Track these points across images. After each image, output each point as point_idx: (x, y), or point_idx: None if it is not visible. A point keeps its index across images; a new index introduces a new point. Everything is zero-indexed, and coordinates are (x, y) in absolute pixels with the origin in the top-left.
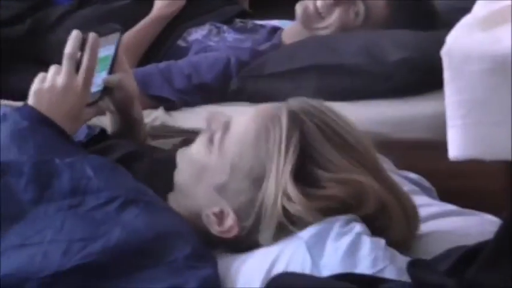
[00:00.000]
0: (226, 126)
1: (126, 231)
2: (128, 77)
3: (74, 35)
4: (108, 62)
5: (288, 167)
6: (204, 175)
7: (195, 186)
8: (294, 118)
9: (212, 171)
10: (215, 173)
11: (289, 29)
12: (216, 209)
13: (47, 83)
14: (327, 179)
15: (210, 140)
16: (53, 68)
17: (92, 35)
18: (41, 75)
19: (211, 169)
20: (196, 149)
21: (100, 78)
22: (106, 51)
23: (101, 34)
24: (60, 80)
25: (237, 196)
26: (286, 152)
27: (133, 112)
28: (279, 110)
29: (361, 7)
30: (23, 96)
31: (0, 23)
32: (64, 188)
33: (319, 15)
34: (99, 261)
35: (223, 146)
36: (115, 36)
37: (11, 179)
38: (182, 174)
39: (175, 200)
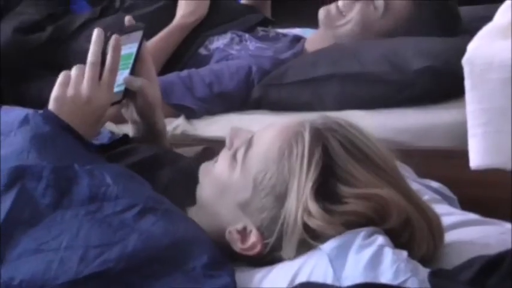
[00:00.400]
0: (249, 143)
1: (143, 238)
2: (151, 85)
3: (97, 35)
4: (131, 61)
5: (310, 183)
6: (227, 192)
7: (218, 203)
8: (317, 134)
9: (235, 188)
10: (238, 190)
11: (312, 38)
12: (239, 226)
13: (70, 91)
14: (350, 194)
15: (233, 157)
16: (75, 70)
17: (114, 37)
18: (61, 77)
19: (234, 186)
20: (219, 165)
21: (122, 76)
22: (128, 49)
23: (123, 32)
24: (84, 89)
25: (260, 213)
26: (308, 168)
27: (156, 121)
28: (302, 126)
29: (380, 1)
30: (44, 104)
31: (20, 30)
32: (82, 194)
33: (341, 14)
34: (116, 269)
35: (246, 163)
36: (138, 34)
37: (29, 183)
38: (205, 190)
39: (196, 215)
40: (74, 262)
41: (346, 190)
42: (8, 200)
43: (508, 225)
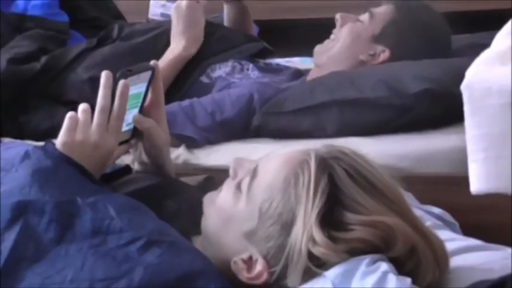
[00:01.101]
0: (254, 173)
1: (149, 272)
2: (159, 128)
3: (105, 79)
4: (140, 100)
5: (316, 211)
6: (232, 222)
7: (223, 233)
8: (322, 163)
9: (241, 218)
10: (244, 220)
11: (311, 74)
12: (245, 256)
13: (79, 136)
14: (356, 221)
15: (238, 187)
16: (83, 115)
17: (122, 83)
18: (68, 122)
19: (239, 216)
20: (223, 195)
21: (131, 115)
22: (138, 89)
23: (133, 72)
24: (93, 135)
25: (266, 242)
26: (314, 196)
27: (163, 162)
28: (307, 155)
29: (365, 16)
30: (44, 136)
31: (14, 61)
32: (86, 228)
33: (332, 40)
34: None
35: (251, 193)
36: (147, 74)
37: (31, 218)
38: (209, 221)
39: (202, 246)
40: None
41: (352, 217)
42: (12, 235)
43: (510, 250)
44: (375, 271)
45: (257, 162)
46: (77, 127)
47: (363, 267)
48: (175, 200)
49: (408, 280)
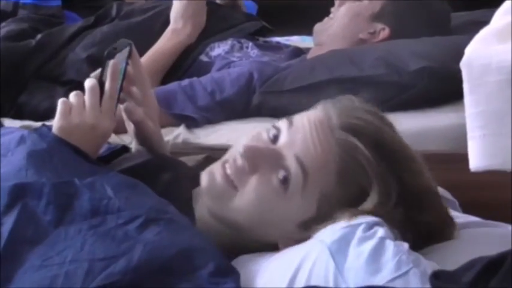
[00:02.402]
0: (304, 172)
1: (148, 250)
2: (148, 120)
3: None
4: (121, 77)
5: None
6: (280, 218)
7: (266, 227)
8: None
9: (294, 213)
10: (299, 213)
11: (311, 52)
12: (296, 237)
13: (75, 119)
14: None
15: (283, 185)
16: (75, 98)
17: (112, 63)
18: (62, 106)
19: (292, 212)
20: (261, 193)
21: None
22: (120, 65)
23: (118, 50)
24: (88, 117)
25: (325, 223)
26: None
27: (154, 146)
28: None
29: None
30: (44, 116)
31: (8, 38)
32: (84, 208)
33: (330, 19)
34: (122, 281)
35: (307, 189)
36: (126, 50)
37: (30, 201)
38: (245, 216)
39: (214, 228)
40: (79, 276)
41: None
42: (11, 219)
43: (509, 226)
44: (372, 237)
45: (275, 150)
46: (71, 111)
47: (359, 233)
48: (168, 173)
49: (405, 245)
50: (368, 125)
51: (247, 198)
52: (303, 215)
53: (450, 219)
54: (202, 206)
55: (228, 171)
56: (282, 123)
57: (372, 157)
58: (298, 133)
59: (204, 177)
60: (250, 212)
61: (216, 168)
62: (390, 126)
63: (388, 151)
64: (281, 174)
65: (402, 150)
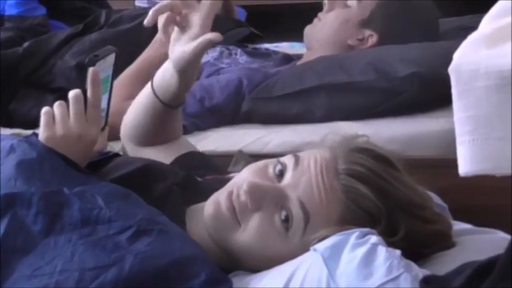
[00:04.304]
0: (305, 215)
1: (139, 259)
2: None
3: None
4: (108, 84)
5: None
6: (280, 256)
7: (264, 263)
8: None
9: (293, 253)
10: (297, 254)
11: (304, 57)
12: None
13: (60, 129)
14: None
15: (286, 228)
16: (59, 108)
17: (92, 71)
18: (45, 117)
19: (291, 251)
20: (265, 230)
21: (103, 101)
22: (106, 73)
23: (100, 57)
24: (73, 127)
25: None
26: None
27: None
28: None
29: (353, 1)
30: (33, 124)
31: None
32: (74, 218)
33: (319, 20)
34: None
35: (306, 235)
36: (112, 57)
37: (19, 211)
38: (245, 251)
39: (211, 249)
40: (70, 286)
41: None
42: (0, 228)
43: (500, 233)
44: (365, 243)
45: (285, 188)
46: (55, 121)
47: (352, 240)
48: (161, 183)
49: (397, 251)
50: (373, 172)
51: (248, 234)
52: (295, 254)
53: (451, 242)
54: (199, 224)
55: (234, 204)
56: (288, 160)
57: (379, 203)
58: (303, 175)
59: (210, 206)
60: (250, 248)
61: (222, 198)
62: (399, 170)
63: (395, 199)
64: (283, 214)
65: (410, 199)
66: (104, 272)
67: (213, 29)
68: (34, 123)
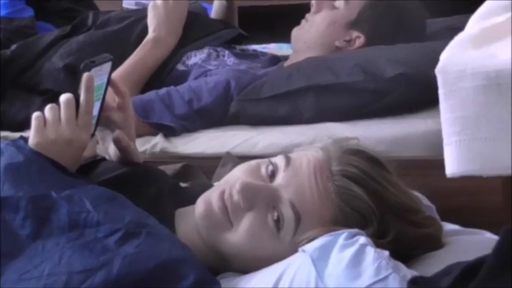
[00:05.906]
0: (296, 217)
1: (127, 262)
2: (133, 145)
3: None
4: (101, 92)
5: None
6: (271, 256)
7: (255, 263)
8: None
9: (284, 253)
10: (287, 254)
11: (289, 60)
12: None
13: (51, 134)
14: None
15: (276, 226)
16: (50, 112)
17: (87, 77)
18: (36, 122)
19: (282, 251)
20: (257, 230)
21: (95, 108)
22: (100, 80)
23: (96, 63)
24: (64, 132)
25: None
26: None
27: (131, 159)
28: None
29: (340, 2)
30: (21, 127)
31: None
32: (62, 222)
33: (307, 21)
34: None
35: (297, 237)
36: (108, 65)
37: (7, 215)
38: (236, 251)
39: (200, 250)
40: None
41: None
42: None
43: (488, 234)
44: (353, 244)
45: (277, 188)
46: (46, 126)
47: (341, 241)
48: (152, 186)
49: (386, 252)
50: (368, 175)
51: (240, 234)
52: (286, 254)
53: (440, 244)
54: (189, 226)
55: (226, 204)
56: (280, 161)
57: (373, 205)
58: (295, 176)
59: (201, 204)
60: (242, 247)
61: (213, 197)
62: (391, 173)
63: (387, 202)
64: (275, 215)
65: (402, 202)
66: (92, 275)
67: (202, 30)
68: (21, 126)
